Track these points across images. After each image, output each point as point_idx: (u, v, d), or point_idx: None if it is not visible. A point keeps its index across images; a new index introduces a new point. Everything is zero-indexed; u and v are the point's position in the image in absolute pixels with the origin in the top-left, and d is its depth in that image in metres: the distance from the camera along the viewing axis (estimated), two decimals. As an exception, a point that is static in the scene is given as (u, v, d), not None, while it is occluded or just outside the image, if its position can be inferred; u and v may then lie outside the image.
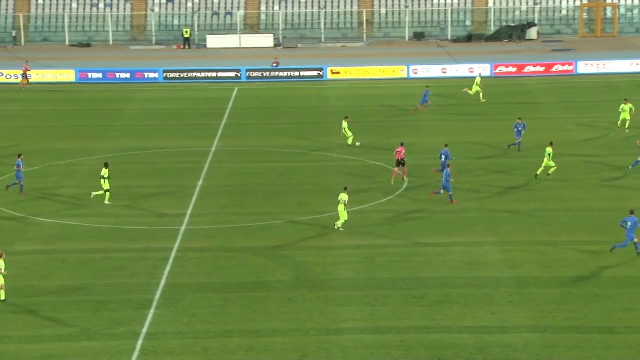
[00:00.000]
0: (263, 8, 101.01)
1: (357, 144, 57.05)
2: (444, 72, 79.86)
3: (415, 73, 79.84)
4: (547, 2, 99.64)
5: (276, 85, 78.31)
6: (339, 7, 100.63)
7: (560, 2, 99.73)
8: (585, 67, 79.20)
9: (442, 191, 46.33)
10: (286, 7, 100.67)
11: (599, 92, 71.42)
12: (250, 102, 72.35)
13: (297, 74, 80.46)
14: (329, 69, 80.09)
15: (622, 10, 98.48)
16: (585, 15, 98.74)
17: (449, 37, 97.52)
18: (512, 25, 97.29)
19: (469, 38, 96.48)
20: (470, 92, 68.66)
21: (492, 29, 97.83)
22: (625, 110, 58.79)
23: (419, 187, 48.85)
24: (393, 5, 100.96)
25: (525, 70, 79.27)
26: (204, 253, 40.45)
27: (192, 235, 42.69)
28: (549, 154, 49.19)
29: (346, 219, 42.52)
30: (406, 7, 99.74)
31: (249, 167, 54.04)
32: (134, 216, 45.57)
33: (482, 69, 79.04)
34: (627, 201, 45.40)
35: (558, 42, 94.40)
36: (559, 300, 34.65)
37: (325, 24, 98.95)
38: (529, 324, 32.90)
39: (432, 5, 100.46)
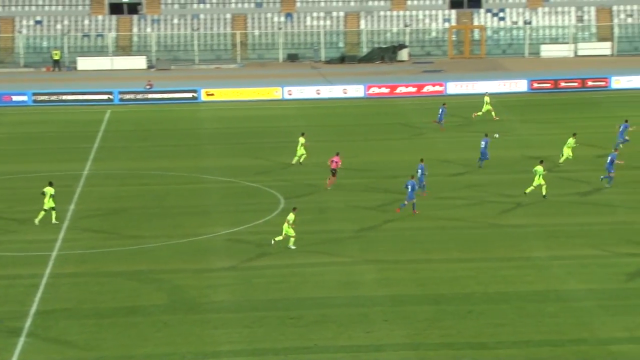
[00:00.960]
0: (135, 30, 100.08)
1: (299, 162, 56.70)
2: (318, 93, 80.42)
3: (290, 94, 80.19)
4: (417, 24, 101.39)
5: (150, 108, 77.59)
6: (212, 28, 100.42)
7: (430, 24, 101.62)
8: (455, 87, 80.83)
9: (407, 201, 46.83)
10: (158, 29, 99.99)
11: (467, 112, 72.81)
12: (123, 124, 71.48)
13: (171, 95, 79.92)
14: (203, 91, 79.78)
15: (489, 32, 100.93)
16: (454, 37, 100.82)
17: (323, 59, 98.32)
18: (384, 46, 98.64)
19: (342, 59, 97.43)
20: (480, 113, 68.43)
21: (365, 50, 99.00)
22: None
23: (298, 209, 48.85)
24: (266, 27, 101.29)
25: (398, 90, 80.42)
26: (76, 278, 39.67)
27: (64, 261, 41.83)
28: (540, 174, 48.72)
29: (291, 235, 42.49)
30: (279, 28, 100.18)
31: (123, 190, 53.32)
32: (2, 242, 44.43)
33: (356, 90, 79.91)
34: (498, 217, 46.39)
35: (428, 63, 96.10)
36: (433, 317, 35.11)
37: (198, 45, 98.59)
38: (403, 342, 33.23)
39: (305, 27, 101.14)
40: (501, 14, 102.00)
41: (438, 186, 52.13)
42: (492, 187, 51.86)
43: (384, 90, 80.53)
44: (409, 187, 46.77)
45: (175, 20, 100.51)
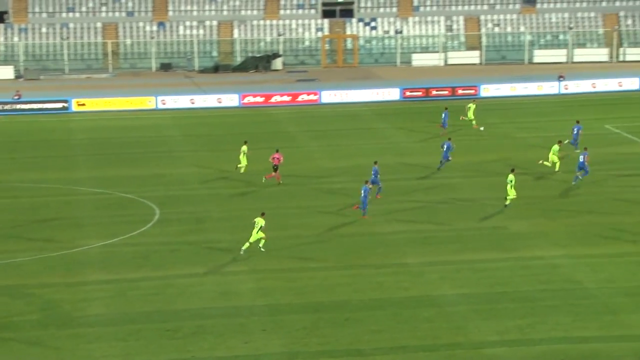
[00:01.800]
0: (1, 39, 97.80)
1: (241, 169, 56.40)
2: (193, 103, 79.95)
3: (164, 104, 79.49)
4: (291, 33, 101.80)
5: (18, 118, 75.88)
6: (82, 37, 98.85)
7: (303, 33, 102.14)
8: (330, 96, 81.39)
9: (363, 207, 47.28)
10: (26, 38, 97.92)
11: (342, 120, 73.48)
12: (-9, 135, 69.74)
13: (40, 106, 78.31)
14: (74, 101, 78.40)
15: (362, 42, 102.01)
16: (327, 46, 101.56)
17: (196, 68, 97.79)
18: (258, 55, 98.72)
19: (216, 68, 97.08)
20: (467, 118, 68.25)
21: (239, 59, 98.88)
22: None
23: (172, 220, 48.50)
24: (138, 36, 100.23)
25: (272, 100, 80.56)
26: (-56, 295, 38.49)
27: None
28: (511, 181, 48.44)
29: (259, 237, 42.32)
30: (152, 37, 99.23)
31: (-8, 204, 52.00)
32: None
33: (230, 99, 79.72)
34: (372, 225, 46.81)
35: (302, 72, 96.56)
36: (311, 325, 35.23)
37: (68, 54, 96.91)
38: (281, 351, 33.25)
39: (178, 36, 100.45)
40: (373, 24, 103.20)
41: (311, 194, 52.37)
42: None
43: (259, 99, 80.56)
44: (363, 192, 47.22)
45: (44, 29, 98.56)
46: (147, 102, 79.66)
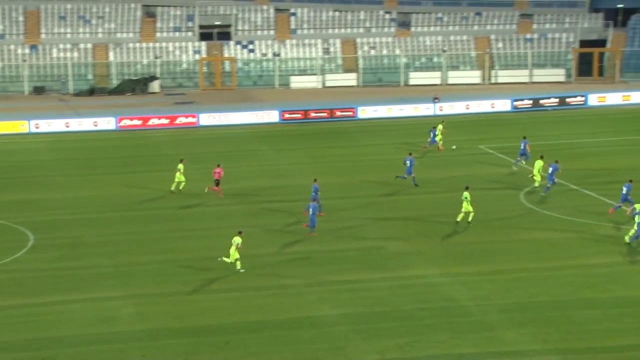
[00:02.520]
0: None
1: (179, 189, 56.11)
2: (68, 126, 78.64)
3: (37, 127, 78.01)
4: (168, 56, 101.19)
5: None
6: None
7: (180, 55, 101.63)
8: (208, 118, 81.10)
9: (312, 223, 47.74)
10: None
11: (221, 143, 73.25)
12: None
13: None
14: (-56, 125, 76.38)
15: (240, 64, 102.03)
16: (205, 69, 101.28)
17: (71, 91, 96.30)
18: (135, 78, 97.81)
19: (92, 92, 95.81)
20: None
21: (115, 82, 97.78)
22: None
23: (47, 246, 47.49)
24: (10, 59, 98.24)
25: (150, 122, 79.83)
26: None
27: None
28: (466, 198, 48.66)
29: (236, 258, 42.52)
30: (24, 60, 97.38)
31: None
32: None
33: (107, 122, 78.72)
34: (251, 248, 46.67)
35: (180, 94, 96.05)
36: (191, 350, 34.88)
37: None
38: (162, 376, 32.80)
39: (52, 58, 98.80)
40: (251, 46, 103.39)
41: (186, 217, 52.00)
42: (239, 218, 52.19)
43: (136, 122, 79.73)
44: (310, 209, 47.50)
45: None
46: (20, 126, 78.06)
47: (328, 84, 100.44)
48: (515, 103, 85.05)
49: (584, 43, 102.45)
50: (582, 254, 44.52)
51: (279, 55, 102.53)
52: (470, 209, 48.89)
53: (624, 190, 49.36)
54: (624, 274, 41.53)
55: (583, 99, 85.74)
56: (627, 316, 36.86)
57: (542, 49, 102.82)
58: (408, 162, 57.31)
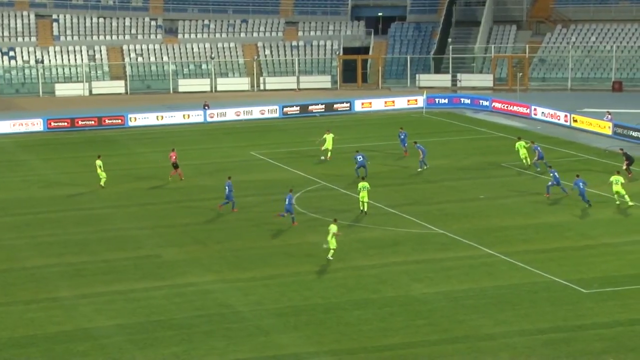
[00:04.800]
0: None
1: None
2: None
3: None
4: None
5: None
6: None
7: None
8: (-31, 128, 78.02)
9: (285, 214, 49.61)
10: None
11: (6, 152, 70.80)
12: None
13: None
14: None
15: (0, 72, 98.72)
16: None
17: None
18: None
19: None
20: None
21: None
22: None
23: None
24: None
25: None
26: None
27: None
28: (365, 189, 51.13)
29: (333, 247, 44.31)
30: None
31: None
32: None
33: None
34: (20, 260, 45.21)
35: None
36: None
37: None
38: None
39: None
40: (11, 53, 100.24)
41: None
42: (5, 231, 50.54)
43: None
44: (287, 200, 49.87)
45: None
46: None
47: (95, 91, 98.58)
48: (285, 109, 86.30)
49: (347, 50, 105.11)
50: (352, 256, 45.66)
51: (42, 62, 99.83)
52: (366, 198, 51.64)
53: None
54: (393, 275, 42.88)
55: (349, 104, 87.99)
56: (396, 315, 38.09)
57: (309, 56, 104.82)
58: (359, 157, 59.97)
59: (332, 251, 44.80)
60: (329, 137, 66.61)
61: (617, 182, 52.57)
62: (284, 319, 37.93)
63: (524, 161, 62.08)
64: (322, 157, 66.10)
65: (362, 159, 59.92)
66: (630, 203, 52.60)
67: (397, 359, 34.30)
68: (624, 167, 58.45)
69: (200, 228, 50.66)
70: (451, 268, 43.55)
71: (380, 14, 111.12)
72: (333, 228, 44.78)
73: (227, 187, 53.08)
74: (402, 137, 67.00)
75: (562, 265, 43.42)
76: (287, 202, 50.00)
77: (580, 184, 52.34)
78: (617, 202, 52.59)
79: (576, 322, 36.92)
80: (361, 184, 52.35)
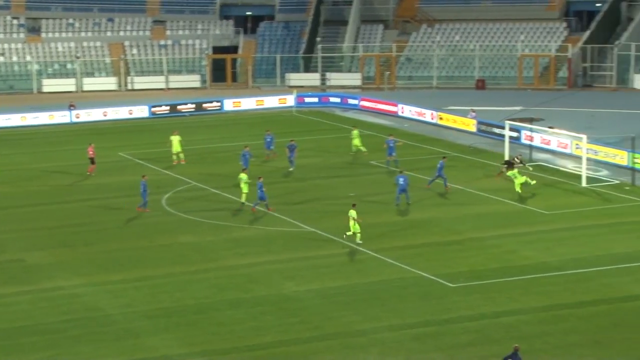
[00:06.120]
0: None
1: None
2: None
3: None
4: None
5: None
6: None
7: None
8: None
9: (259, 201, 50.97)
10: None
11: None
12: None
13: None
14: None
15: None
16: None
17: None
18: None
19: None
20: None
21: None
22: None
23: None
24: None
25: None
26: None
27: None
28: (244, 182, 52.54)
29: (357, 231, 45.21)
30: None
31: None
32: None
33: None
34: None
35: None
36: None
37: None
38: None
39: None
40: None
41: None
42: None
43: None
44: (258, 187, 51.04)
45: None
46: None
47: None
48: (153, 109, 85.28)
49: (216, 49, 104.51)
50: (224, 255, 45.44)
51: None
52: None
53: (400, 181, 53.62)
54: (265, 274, 42.83)
55: (219, 104, 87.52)
56: (267, 314, 38.03)
57: (177, 55, 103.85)
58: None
59: (358, 235, 45.56)
60: (175, 140, 64.54)
61: (515, 176, 54.32)
62: (155, 320, 37.46)
63: (355, 149, 65.40)
64: (175, 162, 64.18)
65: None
66: (532, 182, 54.87)
67: (270, 358, 34.25)
68: (502, 170, 58.89)
69: (67, 230, 49.67)
70: (323, 266, 43.74)
71: (249, 13, 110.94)
72: (352, 213, 45.56)
73: (142, 186, 52.04)
74: (269, 140, 65.83)
75: (429, 260, 44.08)
76: (258, 190, 50.96)
77: (401, 179, 52.86)
78: (533, 183, 54.72)
79: (443, 315, 37.51)
80: (242, 175, 53.51)
